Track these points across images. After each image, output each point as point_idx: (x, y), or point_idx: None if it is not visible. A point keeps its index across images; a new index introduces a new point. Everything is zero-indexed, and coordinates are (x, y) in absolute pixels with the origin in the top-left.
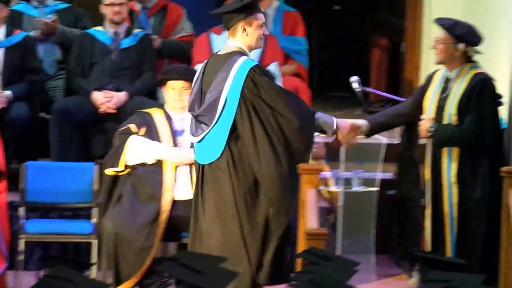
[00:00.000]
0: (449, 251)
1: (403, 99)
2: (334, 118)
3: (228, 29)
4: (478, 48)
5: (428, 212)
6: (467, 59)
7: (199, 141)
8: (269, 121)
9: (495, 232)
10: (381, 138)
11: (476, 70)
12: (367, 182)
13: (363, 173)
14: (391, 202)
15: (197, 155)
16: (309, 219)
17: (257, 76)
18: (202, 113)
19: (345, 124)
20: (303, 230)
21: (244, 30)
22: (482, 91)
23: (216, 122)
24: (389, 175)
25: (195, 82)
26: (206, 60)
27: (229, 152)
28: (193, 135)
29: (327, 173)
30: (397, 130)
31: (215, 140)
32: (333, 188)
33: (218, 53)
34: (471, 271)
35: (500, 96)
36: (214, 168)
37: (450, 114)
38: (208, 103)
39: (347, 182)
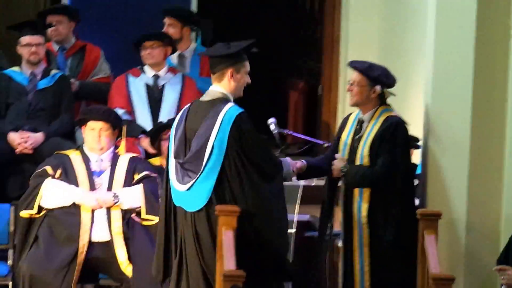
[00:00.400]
0: None
1: (321, 142)
2: (288, 162)
3: (214, 74)
4: (392, 90)
5: (341, 254)
6: (381, 102)
7: (188, 189)
8: (250, 163)
9: (410, 275)
10: (298, 180)
11: (389, 113)
12: None
13: None
14: (309, 244)
15: (184, 203)
16: (227, 260)
17: (243, 124)
18: (189, 160)
19: (293, 163)
20: (221, 272)
21: (232, 76)
22: (394, 134)
23: (203, 169)
24: (306, 217)
25: (176, 128)
26: (187, 106)
27: (214, 197)
28: (179, 182)
29: None
30: None
31: (203, 187)
32: None
33: (201, 99)
34: None
35: (417, 140)
36: (201, 214)
37: (363, 155)
38: (194, 150)
39: None
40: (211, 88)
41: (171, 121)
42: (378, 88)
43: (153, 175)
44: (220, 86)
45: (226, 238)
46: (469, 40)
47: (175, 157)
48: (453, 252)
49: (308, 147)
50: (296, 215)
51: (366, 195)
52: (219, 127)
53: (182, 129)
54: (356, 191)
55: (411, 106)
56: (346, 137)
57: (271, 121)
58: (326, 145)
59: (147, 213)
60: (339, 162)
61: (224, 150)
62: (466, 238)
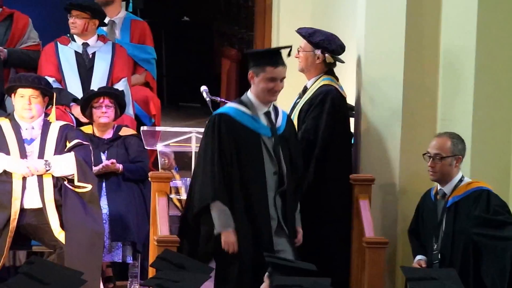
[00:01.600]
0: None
1: None
2: None
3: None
4: (339, 57)
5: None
6: (328, 71)
7: None
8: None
9: (346, 237)
10: None
11: (326, 82)
12: None
13: None
14: None
15: None
16: (160, 227)
17: (208, 124)
18: None
19: None
20: (154, 238)
21: (252, 78)
22: (323, 101)
23: None
24: None
25: None
26: None
27: None
28: None
29: (178, 182)
30: None
31: None
32: (184, 196)
33: None
34: (320, 275)
35: (353, 109)
36: None
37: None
38: None
39: None
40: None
41: (102, 89)
42: (318, 52)
43: (85, 143)
44: (251, 89)
45: (160, 204)
46: (400, 8)
47: None
48: (386, 217)
49: None
50: None
51: None
52: None
53: None
54: None
55: (345, 74)
56: (292, 104)
57: (204, 89)
58: None
59: (79, 180)
60: None
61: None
62: (399, 203)
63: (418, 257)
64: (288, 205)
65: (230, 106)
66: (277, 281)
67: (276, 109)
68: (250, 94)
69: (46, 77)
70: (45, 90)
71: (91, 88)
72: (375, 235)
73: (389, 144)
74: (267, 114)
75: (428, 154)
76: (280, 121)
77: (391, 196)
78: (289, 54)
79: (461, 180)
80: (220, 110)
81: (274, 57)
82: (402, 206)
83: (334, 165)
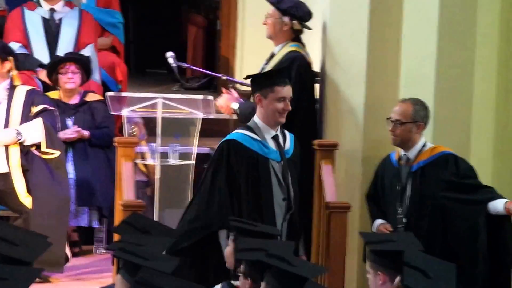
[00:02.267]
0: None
1: (219, 75)
2: None
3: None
4: (307, 24)
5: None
6: (295, 37)
7: None
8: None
9: (308, 202)
10: (197, 113)
11: (293, 48)
12: (183, 155)
13: (179, 147)
14: None
15: None
16: (126, 191)
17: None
18: None
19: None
20: (120, 202)
21: (260, 102)
22: (289, 67)
23: None
24: (205, 149)
25: None
26: None
27: None
28: None
29: (143, 147)
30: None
31: None
32: (149, 161)
33: None
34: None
35: (317, 75)
36: None
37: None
38: None
39: (164, 155)
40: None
41: (68, 55)
42: (286, 19)
43: (51, 108)
44: (257, 113)
45: (125, 169)
46: None
47: None
48: (349, 182)
49: (207, 81)
50: (195, 147)
51: None
52: None
53: None
54: None
55: (313, 41)
56: (260, 69)
57: (170, 55)
58: (225, 78)
59: (47, 147)
60: (228, 100)
61: None
62: (362, 168)
63: (380, 221)
64: (294, 231)
65: (238, 132)
66: (241, 244)
67: (283, 132)
68: (257, 119)
69: (12, 42)
70: (3, 55)
71: (57, 54)
72: (338, 200)
73: (353, 110)
74: (275, 137)
75: (390, 119)
76: (288, 145)
77: (354, 161)
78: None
79: (424, 146)
80: (228, 136)
81: (281, 77)
82: (365, 171)
83: (299, 131)
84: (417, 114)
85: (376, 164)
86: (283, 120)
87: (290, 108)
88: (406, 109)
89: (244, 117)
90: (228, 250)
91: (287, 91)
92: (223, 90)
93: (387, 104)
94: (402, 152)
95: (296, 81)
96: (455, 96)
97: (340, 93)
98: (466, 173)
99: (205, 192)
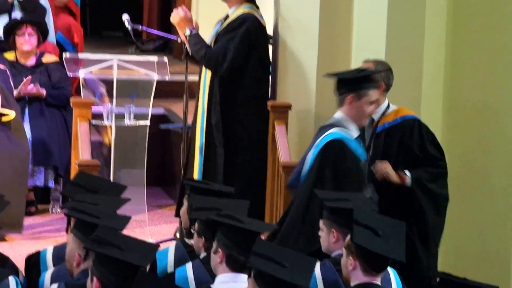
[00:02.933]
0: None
1: (175, 37)
2: None
3: (337, 97)
4: None
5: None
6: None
7: None
8: None
9: (262, 163)
10: (152, 75)
11: (247, 10)
12: (139, 116)
13: (134, 108)
14: (164, 136)
15: None
16: (82, 151)
17: (326, 150)
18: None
19: None
20: (76, 162)
21: (352, 102)
22: (238, 27)
23: None
24: (160, 110)
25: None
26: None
27: None
28: None
29: (99, 107)
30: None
31: None
32: (105, 122)
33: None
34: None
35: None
36: None
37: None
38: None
39: (120, 116)
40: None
41: (24, 18)
42: None
43: (2, 67)
44: (341, 110)
45: (82, 129)
46: None
47: None
48: (303, 143)
49: (163, 43)
50: (150, 108)
51: (208, 82)
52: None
53: None
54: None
55: (266, 1)
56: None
57: (125, 17)
58: (179, 40)
59: (3, 106)
60: (180, 21)
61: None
62: (315, 128)
63: None
64: None
65: (339, 132)
66: (195, 202)
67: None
68: (346, 118)
69: None
70: None
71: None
72: (292, 160)
73: (305, 71)
74: (358, 138)
75: None
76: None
77: (307, 122)
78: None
79: (388, 107)
80: (333, 136)
81: (373, 80)
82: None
83: (251, 92)
84: (378, 74)
85: None
86: (366, 123)
87: (375, 112)
88: (368, 68)
89: (191, 50)
90: (182, 209)
91: (377, 94)
92: (181, 7)
93: (340, 66)
94: None
95: (242, 39)
96: (406, 58)
97: (292, 55)
98: (429, 140)
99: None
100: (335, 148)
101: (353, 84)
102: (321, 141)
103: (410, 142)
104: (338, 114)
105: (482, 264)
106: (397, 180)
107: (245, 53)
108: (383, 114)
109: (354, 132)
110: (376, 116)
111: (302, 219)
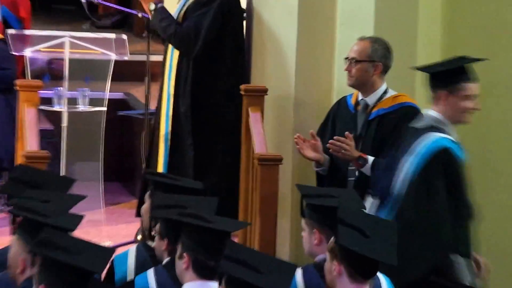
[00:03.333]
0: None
1: (135, 12)
2: None
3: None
4: None
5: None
6: None
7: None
8: None
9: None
10: (110, 54)
11: None
12: (94, 101)
13: (89, 92)
14: (123, 124)
15: None
16: (29, 141)
17: (436, 160)
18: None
19: None
20: (22, 153)
21: (446, 98)
22: (210, 1)
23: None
24: (119, 95)
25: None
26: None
27: None
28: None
29: (49, 91)
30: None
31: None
32: (56, 107)
33: (414, 125)
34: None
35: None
36: None
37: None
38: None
39: (72, 101)
40: (426, 112)
41: None
42: None
43: None
44: (436, 109)
45: (28, 116)
46: None
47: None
48: (280, 131)
49: (122, 18)
50: (107, 92)
51: (174, 62)
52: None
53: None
54: (167, 62)
55: None
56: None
57: None
58: (141, 15)
59: None
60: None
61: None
62: (295, 115)
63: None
64: None
65: (443, 137)
66: (158, 200)
67: None
68: (441, 117)
69: None
70: None
71: None
72: (268, 152)
73: (284, 51)
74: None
75: (347, 57)
76: None
77: (286, 108)
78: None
79: (386, 92)
80: (440, 143)
81: (470, 72)
82: (298, 119)
83: (225, 75)
84: (374, 54)
85: (309, 110)
86: (469, 119)
87: (479, 107)
88: (363, 47)
89: (157, 27)
90: (144, 207)
91: (476, 88)
92: None
93: (322, 44)
94: (360, 96)
95: (216, 14)
96: (397, 35)
97: (269, 32)
98: None
99: (431, 212)
100: (446, 158)
101: (446, 78)
102: (427, 149)
103: (402, 132)
104: (432, 113)
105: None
106: (354, 155)
107: (220, 30)
108: (379, 99)
109: (453, 134)
110: (371, 101)
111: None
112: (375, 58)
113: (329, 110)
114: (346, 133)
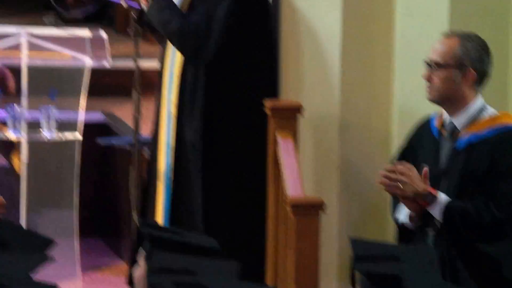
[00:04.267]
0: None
1: (117, 0)
2: None
3: None
4: None
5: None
6: None
7: None
8: None
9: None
10: (83, 58)
11: None
12: (64, 125)
13: (56, 112)
14: (105, 155)
15: None
16: None
17: None
18: None
19: None
20: None
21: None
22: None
23: None
24: (96, 116)
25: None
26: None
27: None
28: None
29: (1, 111)
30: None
31: None
32: (11, 135)
33: None
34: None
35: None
36: None
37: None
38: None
39: (33, 125)
40: None
41: None
42: None
43: None
44: None
45: None
46: None
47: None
48: (321, 164)
49: (99, 9)
50: (81, 112)
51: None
52: None
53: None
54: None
55: None
56: None
57: None
58: (125, 4)
59: None
60: None
61: None
62: (340, 143)
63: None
64: None
65: None
66: (157, 263)
67: None
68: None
69: None
70: None
71: None
72: (305, 194)
73: (325, 57)
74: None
75: (427, 61)
76: None
77: (328, 132)
78: None
79: (482, 110)
80: None
81: None
82: (344, 148)
83: (247, 87)
84: (465, 56)
85: (358, 135)
86: None
87: None
88: (450, 46)
89: (154, 20)
90: (137, 273)
91: None
92: None
93: (377, 45)
94: (446, 116)
95: (233, 5)
96: (482, 23)
97: (306, 30)
98: None
99: None
100: None
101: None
102: None
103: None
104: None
105: None
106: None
107: (239, 26)
108: (472, 120)
109: None
110: (459, 123)
111: None
112: (465, 62)
113: (408, 136)
114: (425, 169)
